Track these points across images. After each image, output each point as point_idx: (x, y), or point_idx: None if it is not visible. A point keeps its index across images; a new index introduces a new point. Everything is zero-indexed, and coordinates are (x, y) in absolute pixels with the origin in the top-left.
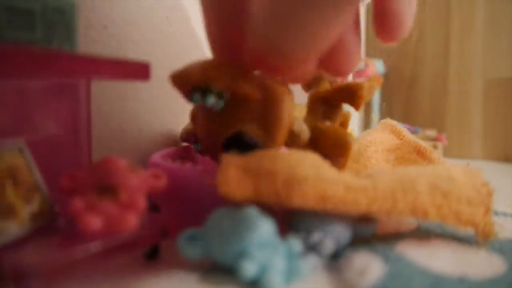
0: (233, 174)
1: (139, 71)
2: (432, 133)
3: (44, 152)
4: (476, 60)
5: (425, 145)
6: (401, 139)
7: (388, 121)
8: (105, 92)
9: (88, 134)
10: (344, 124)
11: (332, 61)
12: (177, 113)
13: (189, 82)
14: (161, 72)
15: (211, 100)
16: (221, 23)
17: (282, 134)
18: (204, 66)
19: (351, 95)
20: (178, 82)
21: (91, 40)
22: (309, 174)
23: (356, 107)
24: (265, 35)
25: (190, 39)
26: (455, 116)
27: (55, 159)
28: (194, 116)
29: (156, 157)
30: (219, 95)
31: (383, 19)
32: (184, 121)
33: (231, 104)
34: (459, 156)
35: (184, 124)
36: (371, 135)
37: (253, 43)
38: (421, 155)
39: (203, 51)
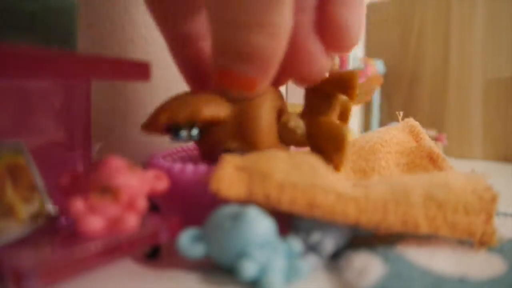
0: (227, 172)
1: (139, 71)
2: (432, 133)
3: (44, 152)
4: (476, 60)
5: (438, 151)
6: (417, 142)
7: (411, 121)
8: (105, 92)
9: (88, 134)
10: (345, 114)
11: (294, 67)
12: None
13: (158, 127)
14: (161, 72)
15: (184, 134)
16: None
17: (263, 139)
18: (165, 107)
19: (344, 84)
20: (150, 130)
21: (91, 40)
22: (301, 180)
23: (351, 97)
24: (225, 44)
25: None
26: (455, 116)
27: (55, 159)
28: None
29: (156, 157)
30: (190, 126)
31: (332, 30)
32: None
33: (210, 128)
34: (459, 156)
35: None
36: (389, 133)
37: (217, 59)
38: (432, 162)
39: None
